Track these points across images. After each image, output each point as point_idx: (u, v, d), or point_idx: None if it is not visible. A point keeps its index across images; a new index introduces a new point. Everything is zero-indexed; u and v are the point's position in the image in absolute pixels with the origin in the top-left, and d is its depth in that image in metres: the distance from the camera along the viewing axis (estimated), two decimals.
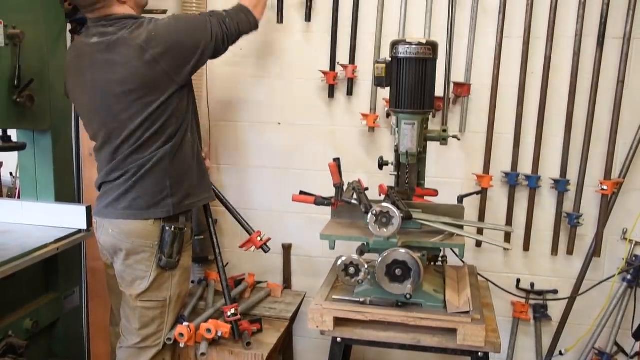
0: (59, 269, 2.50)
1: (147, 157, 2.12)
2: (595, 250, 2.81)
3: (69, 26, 2.62)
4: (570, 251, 2.85)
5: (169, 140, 2.13)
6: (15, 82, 2.21)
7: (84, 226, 2.45)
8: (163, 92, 2.08)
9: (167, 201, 2.15)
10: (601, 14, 2.62)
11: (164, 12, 2.84)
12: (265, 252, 2.61)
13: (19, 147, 2.37)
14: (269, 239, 2.62)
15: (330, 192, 2.35)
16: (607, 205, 2.77)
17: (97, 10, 2.11)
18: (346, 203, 2.27)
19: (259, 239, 2.59)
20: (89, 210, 2.44)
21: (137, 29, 2.06)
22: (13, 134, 2.40)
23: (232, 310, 2.36)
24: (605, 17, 2.62)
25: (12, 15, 2.20)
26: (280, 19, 2.93)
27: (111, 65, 2.06)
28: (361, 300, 2.15)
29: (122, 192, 2.15)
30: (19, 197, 2.98)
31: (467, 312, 2.06)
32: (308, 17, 2.91)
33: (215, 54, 2.24)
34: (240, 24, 2.28)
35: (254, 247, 2.60)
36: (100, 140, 2.18)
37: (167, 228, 2.16)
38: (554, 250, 2.87)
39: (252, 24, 2.35)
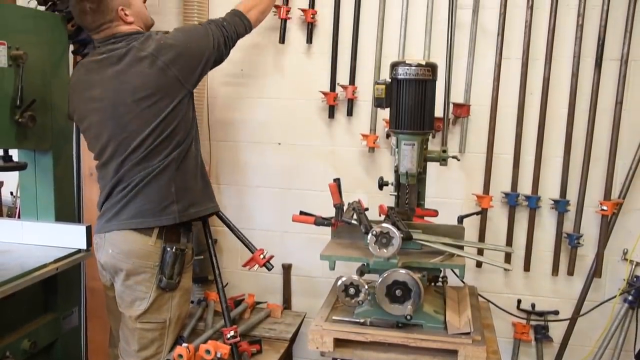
0: (58, 289, 2.49)
1: (156, 165, 2.14)
2: (596, 270, 2.80)
3: (71, 47, 2.64)
4: (570, 272, 2.84)
5: (177, 146, 2.17)
6: (18, 103, 2.22)
7: (83, 246, 2.44)
8: (174, 98, 2.14)
9: (173, 208, 2.16)
10: (599, 36, 2.65)
11: (166, 33, 2.86)
12: (269, 269, 2.58)
13: (20, 167, 2.37)
14: (271, 257, 2.59)
15: (330, 212, 2.35)
16: (607, 225, 2.77)
17: (104, 31, 2.15)
18: (346, 223, 2.27)
19: (261, 256, 2.57)
20: (88, 229, 2.44)
21: (147, 41, 2.13)
22: (14, 153, 2.40)
23: (232, 333, 2.35)
24: (603, 39, 2.64)
25: (16, 36, 2.22)
26: (282, 39, 2.95)
27: (122, 75, 2.11)
28: (361, 321, 2.14)
29: (127, 201, 2.15)
30: (19, 217, 2.97)
31: (468, 333, 2.05)
32: (309, 39, 2.94)
33: (219, 59, 2.32)
34: (236, 26, 2.36)
35: (257, 266, 2.58)
36: (108, 154, 2.18)
37: (168, 249, 2.15)
38: (555, 270, 2.87)
39: (246, 26, 2.41)
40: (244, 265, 2.60)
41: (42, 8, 2.55)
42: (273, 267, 2.57)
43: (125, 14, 2.16)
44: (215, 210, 2.40)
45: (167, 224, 2.16)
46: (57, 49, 2.49)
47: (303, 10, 2.91)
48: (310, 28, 2.93)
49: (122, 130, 2.13)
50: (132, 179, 2.14)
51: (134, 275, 2.17)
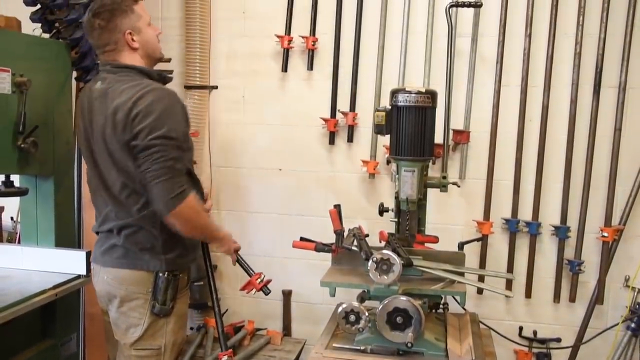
0: (57, 315, 2.47)
1: (136, 214, 2.04)
2: (598, 297, 2.79)
3: (74, 73, 2.67)
4: (572, 298, 2.83)
5: (149, 205, 2.02)
6: (20, 129, 2.23)
7: (83, 271, 2.43)
8: (129, 156, 1.98)
9: (159, 257, 2.08)
10: (596, 63, 2.68)
11: (168, 60, 2.89)
12: (266, 294, 2.56)
13: (21, 192, 2.37)
14: (269, 281, 2.56)
15: (330, 237, 2.34)
16: (608, 252, 2.76)
17: (107, 53, 2.12)
18: (347, 250, 2.27)
19: (258, 281, 2.56)
20: (88, 255, 2.42)
21: (129, 88, 1.99)
22: (15, 178, 2.41)
23: (225, 357, 2.33)
24: (600, 66, 2.67)
25: (20, 63, 2.25)
26: (284, 68, 2.99)
27: (103, 113, 2.02)
28: (362, 348, 2.12)
29: (113, 243, 2.11)
30: (19, 242, 2.97)
31: None
32: (310, 65, 2.97)
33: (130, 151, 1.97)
34: (158, 185, 1.91)
35: (254, 290, 2.56)
36: (93, 187, 2.15)
37: (161, 274, 2.13)
38: (556, 297, 2.85)
39: (162, 207, 1.93)
40: (242, 289, 2.58)
41: (47, 35, 2.59)
42: (270, 291, 2.53)
43: (132, 39, 2.09)
44: (197, 266, 2.29)
45: (154, 270, 2.09)
46: (61, 76, 2.51)
47: (304, 38, 2.94)
48: (311, 55, 2.97)
49: (101, 172, 2.07)
50: (117, 223, 2.07)
51: (128, 301, 2.15)
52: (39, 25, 2.59)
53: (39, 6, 2.55)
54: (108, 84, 2.06)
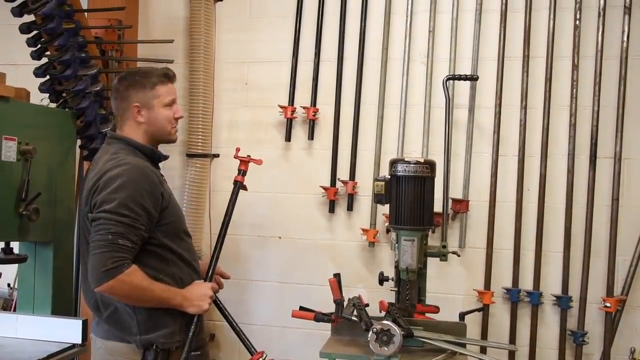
0: None
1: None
2: None
3: (78, 141, 2.72)
4: None
5: None
6: (23, 196, 2.26)
7: (78, 340, 2.38)
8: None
9: (136, 339, 1.99)
10: (591, 134, 2.74)
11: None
12: None
13: (20, 259, 2.37)
14: None
15: (330, 306, 2.32)
16: (612, 323, 2.73)
17: (117, 120, 2.15)
18: (346, 319, 2.24)
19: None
20: (84, 324, 2.39)
21: (106, 162, 1.96)
22: (15, 244, 2.40)
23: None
24: (596, 137, 2.73)
25: (26, 132, 2.30)
26: (288, 137, 3.05)
27: (86, 183, 2.02)
28: None
29: (100, 317, 2.05)
30: (14, 310, 2.93)
31: None
32: (311, 135, 3.03)
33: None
34: (92, 257, 1.84)
35: None
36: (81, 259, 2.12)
37: (148, 350, 2.06)
38: None
39: (92, 278, 1.85)
40: None
41: (54, 105, 2.66)
42: None
43: (138, 113, 2.06)
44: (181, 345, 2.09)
45: (136, 348, 2.01)
46: (65, 144, 2.56)
47: (305, 108, 3.02)
48: (311, 125, 3.03)
49: (80, 242, 2.06)
50: (94, 300, 2.01)
51: None
52: (47, 95, 2.67)
53: (47, 77, 2.64)
54: (98, 155, 2.08)
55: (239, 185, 2.37)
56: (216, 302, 2.46)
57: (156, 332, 2.00)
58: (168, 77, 2.11)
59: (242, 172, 2.36)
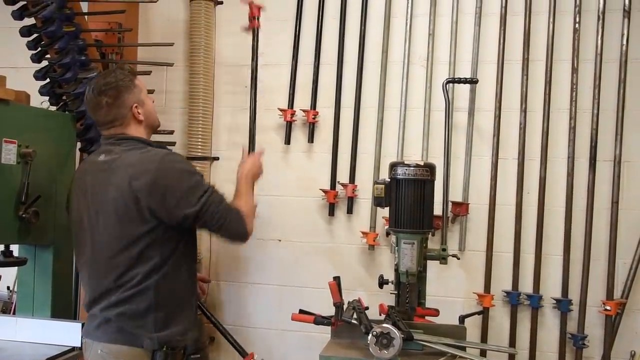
0: None
1: (129, 288, 2.02)
2: None
3: (79, 144, 2.72)
4: None
5: (153, 272, 2.03)
6: (23, 198, 2.26)
7: (77, 343, 2.38)
8: (144, 224, 2.02)
9: (153, 336, 2.03)
10: (591, 137, 2.74)
11: (171, 132, 2.96)
12: None
13: (20, 262, 2.37)
14: None
15: (330, 309, 2.32)
16: (612, 326, 2.72)
17: (114, 128, 2.16)
18: (346, 323, 2.24)
19: None
20: (84, 327, 2.39)
21: (141, 155, 2.07)
22: (14, 247, 2.40)
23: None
24: (595, 141, 2.73)
25: (26, 135, 2.30)
26: (287, 140, 3.05)
27: (107, 184, 2.05)
28: None
29: (108, 318, 2.05)
30: (14, 312, 2.93)
31: None
32: (310, 138, 3.03)
33: (181, 223, 2.06)
34: (229, 225, 2.12)
35: None
36: (88, 262, 2.13)
37: (158, 352, 2.07)
38: None
39: (241, 235, 2.18)
40: None
41: (54, 108, 2.66)
42: None
43: (138, 112, 2.16)
44: (195, 341, 2.18)
45: (148, 348, 2.04)
46: (65, 147, 2.56)
47: (305, 111, 3.02)
48: (311, 128, 3.03)
49: (99, 242, 2.07)
50: (110, 298, 2.04)
51: None
52: (47, 98, 2.67)
53: (48, 80, 2.64)
54: (114, 155, 2.09)
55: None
56: (201, 307, 2.46)
57: (172, 328, 2.06)
58: (132, 72, 2.29)
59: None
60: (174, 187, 2.03)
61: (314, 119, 3.01)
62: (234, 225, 2.13)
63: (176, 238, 2.10)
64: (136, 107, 2.15)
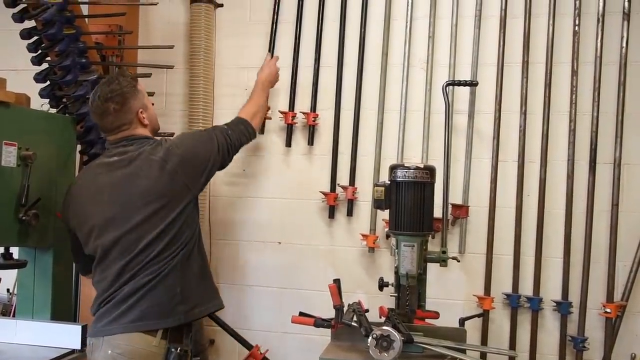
0: None
1: (162, 267, 2.13)
2: None
3: (78, 146, 2.72)
4: None
5: (182, 248, 2.18)
6: (23, 201, 2.26)
7: (77, 346, 2.38)
8: (181, 202, 2.18)
9: (179, 308, 2.13)
10: (591, 140, 2.74)
11: (171, 134, 2.96)
12: None
13: (20, 265, 2.37)
14: (267, 351, 2.67)
15: (330, 312, 2.32)
16: (612, 328, 2.72)
17: (121, 132, 2.24)
18: (346, 325, 2.24)
19: (259, 352, 2.58)
20: (84, 329, 2.39)
21: (157, 147, 2.21)
22: (14, 250, 2.41)
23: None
24: (595, 143, 2.73)
25: (27, 137, 2.31)
26: (288, 143, 3.06)
27: (133, 178, 2.16)
28: None
29: (132, 304, 2.09)
30: (13, 315, 2.93)
31: None
32: (310, 140, 3.04)
33: (222, 165, 2.39)
34: (240, 135, 2.47)
35: None
36: (112, 257, 2.16)
37: (173, 350, 2.10)
38: None
39: (250, 135, 2.54)
40: None
41: (54, 110, 2.66)
42: None
43: (143, 117, 2.26)
44: (219, 308, 2.36)
45: (173, 325, 2.13)
46: (66, 149, 2.57)
47: (305, 114, 3.02)
48: (311, 130, 3.04)
49: (130, 233, 2.14)
50: (138, 281, 2.12)
51: None
52: (48, 100, 2.67)
53: (48, 82, 2.64)
54: (132, 153, 2.19)
55: None
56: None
57: (190, 302, 2.18)
58: (133, 78, 2.38)
59: None
60: (198, 154, 2.27)
61: (314, 121, 3.01)
62: (244, 139, 2.49)
63: (195, 216, 2.30)
64: (141, 112, 2.26)
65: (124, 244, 2.15)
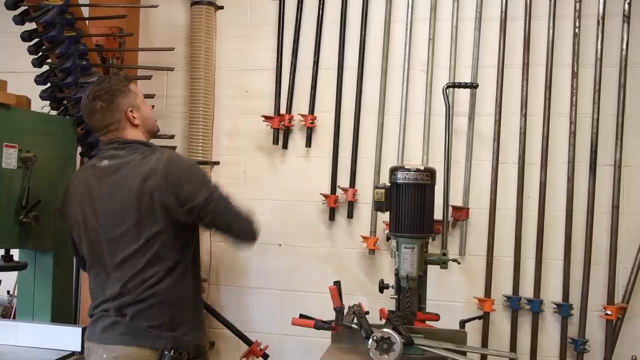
0: None
1: (144, 288, 2.03)
2: None
3: (79, 149, 2.72)
4: None
5: (168, 272, 2.06)
6: (23, 203, 2.26)
7: (78, 348, 2.38)
8: (156, 222, 2.04)
9: (166, 335, 2.04)
10: (591, 142, 2.74)
11: (172, 137, 2.97)
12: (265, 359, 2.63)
13: (20, 267, 2.37)
14: (267, 347, 2.70)
15: (330, 314, 2.32)
16: (612, 331, 2.72)
17: (111, 133, 2.16)
18: (347, 327, 2.24)
19: (259, 348, 2.59)
20: (84, 331, 2.38)
21: (147, 157, 2.09)
22: (15, 252, 2.40)
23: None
24: (595, 145, 2.73)
25: (27, 139, 2.31)
26: (285, 144, 3.06)
27: (117, 188, 2.06)
28: None
29: (116, 321, 2.05)
30: (14, 317, 2.93)
31: None
32: (308, 143, 3.04)
33: (191, 219, 2.08)
34: (240, 225, 2.17)
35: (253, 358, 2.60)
36: (95, 268, 2.12)
37: (167, 352, 2.08)
38: None
39: (251, 235, 2.20)
40: (242, 357, 2.58)
41: (55, 112, 2.67)
42: (269, 356, 2.71)
43: (133, 116, 2.16)
44: (205, 341, 2.29)
45: (159, 347, 2.05)
46: (66, 151, 2.57)
47: (303, 116, 3.02)
48: (309, 132, 3.04)
49: (111, 243, 2.07)
50: (122, 299, 2.04)
51: None
52: (48, 102, 2.67)
53: (49, 84, 2.65)
54: (120, 160, 2.10)
55: None
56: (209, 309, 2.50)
57: (181, 329, 2.08)
58: (126, 78, 2.30)
59: None
60: (185, 181, 2.06)
61: (311, 123, 3.02)
62: (245, 227, 2.18)
63: (185, 240, 2.13)
64: (131, 111, 2.15)
65: (106, 256, 2.08)
